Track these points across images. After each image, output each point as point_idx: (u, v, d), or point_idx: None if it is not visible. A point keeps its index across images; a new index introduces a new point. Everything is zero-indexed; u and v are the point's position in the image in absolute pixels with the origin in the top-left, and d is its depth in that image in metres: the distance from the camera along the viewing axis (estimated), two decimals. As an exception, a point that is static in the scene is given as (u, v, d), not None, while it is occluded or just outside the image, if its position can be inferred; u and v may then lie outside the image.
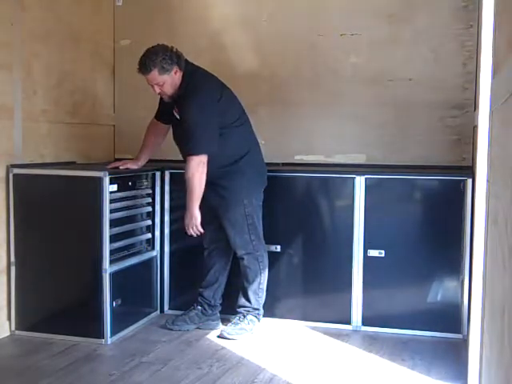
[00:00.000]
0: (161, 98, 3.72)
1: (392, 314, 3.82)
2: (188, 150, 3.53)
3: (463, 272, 3.69)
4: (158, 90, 3.55)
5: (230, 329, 3.71)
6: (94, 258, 3.55)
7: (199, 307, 3.84)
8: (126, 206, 3.78)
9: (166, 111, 3.72)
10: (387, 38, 4.20)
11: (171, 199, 4.07)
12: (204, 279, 3.84)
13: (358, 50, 4.26)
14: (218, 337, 3.70)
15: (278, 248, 3.95)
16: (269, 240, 3.86)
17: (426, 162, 4.13)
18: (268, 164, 3.93)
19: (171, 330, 3.78)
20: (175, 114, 3.63)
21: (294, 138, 4.39)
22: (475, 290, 2.68)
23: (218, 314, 3.88)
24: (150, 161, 3.99)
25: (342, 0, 4.30)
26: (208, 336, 3.74)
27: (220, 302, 3.88)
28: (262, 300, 3.79)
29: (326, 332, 3.81)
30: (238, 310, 3.78)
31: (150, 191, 4.03)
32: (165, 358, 3.36)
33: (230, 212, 3.65)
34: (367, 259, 3.81)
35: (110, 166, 3.81)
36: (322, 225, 3.92)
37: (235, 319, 3.76)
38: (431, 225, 3.80)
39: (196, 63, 3.67)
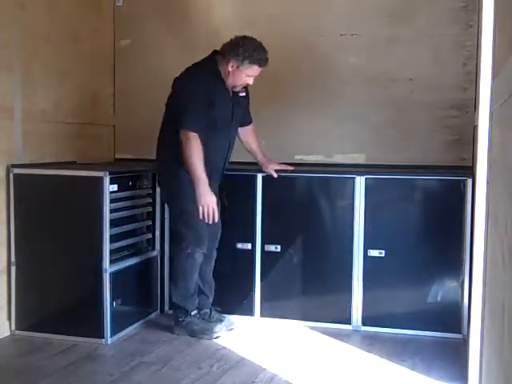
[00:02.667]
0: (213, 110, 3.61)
1: (392, 314, 3.82)
2: (250, 120, 3.87)
3: (463, 272, 3.68)
4: (252, 82, 3.62)
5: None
6: (94, 258, 3.55)
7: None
8: (127, 206, 3.78)
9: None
10: (387, 38, 4.20)
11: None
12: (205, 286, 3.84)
13: (358, 50, 4.26)
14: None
15: (278, 248, 3.95)
16: (269, 240, 3.87)
17: (425, 162, 4.13)
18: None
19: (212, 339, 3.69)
20: (242, 94, 3.74)
21: (294, 138, 4.39)
22: (475, 290, 2.68)
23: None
24: (150, 161, 3.99)
25: (341, 0, 4.30)
26: (208, 336, 3.74)
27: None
28: None
29: (326, 332, 3.81)
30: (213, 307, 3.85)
31: (151, 191, 4.03)
32: (165, 358, 3.36)
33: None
34: (367, 259, 3.81)
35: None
36: (322, 225, 3.92)
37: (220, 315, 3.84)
38: (431, 225, 3.79)
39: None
